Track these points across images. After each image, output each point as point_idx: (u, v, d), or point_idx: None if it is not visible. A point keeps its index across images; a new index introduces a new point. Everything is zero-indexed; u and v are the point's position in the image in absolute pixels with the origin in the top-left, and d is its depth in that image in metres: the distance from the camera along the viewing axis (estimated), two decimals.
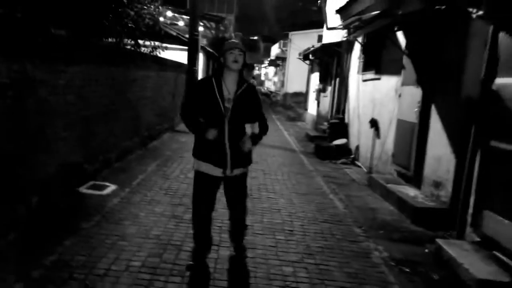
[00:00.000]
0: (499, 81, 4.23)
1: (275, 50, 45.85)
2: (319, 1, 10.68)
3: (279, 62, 40.53)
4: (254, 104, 3.59)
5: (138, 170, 6.93)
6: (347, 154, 9.99)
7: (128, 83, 7.65)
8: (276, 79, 45.65)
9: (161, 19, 10.29)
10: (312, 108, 17.23)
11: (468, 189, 4.55)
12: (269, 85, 50.38)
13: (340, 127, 10.88)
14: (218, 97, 3.42)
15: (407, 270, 4.12)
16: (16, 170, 4.00)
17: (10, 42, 3.72)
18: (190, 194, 3.90)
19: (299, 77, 26.88)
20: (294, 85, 29.53)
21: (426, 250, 4.66)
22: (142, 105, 8.74)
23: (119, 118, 7.22)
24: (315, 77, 16.95)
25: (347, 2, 10.44)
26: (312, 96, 17.40)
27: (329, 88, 13.56)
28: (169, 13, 24.30)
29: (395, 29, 7.61)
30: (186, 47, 15.38)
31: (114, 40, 7.67)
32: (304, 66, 21.43)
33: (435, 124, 5.99)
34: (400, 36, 7.55)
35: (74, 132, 5.32)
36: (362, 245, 4.68)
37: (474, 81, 5.08)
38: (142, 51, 8.88)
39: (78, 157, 5.54)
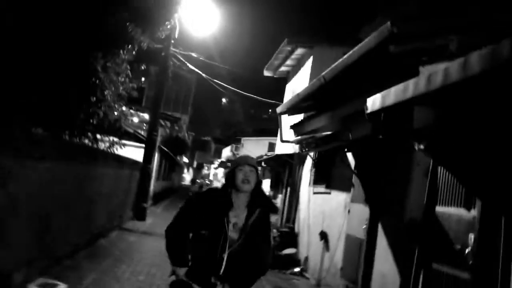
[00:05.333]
0: (440, 209, 4.77)
1: (226, 152, 47.07)
2: (269, 111, 11.58)
3: (229, 164, 41.47)
4: (263, 235, 3.00)
5: (89, 269, 6.77)
6: (296, 264, 10.16)
7: (89, 180, 7.74)
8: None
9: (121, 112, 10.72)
10: None
11: None
12: (218, 185, 50.78)
13: (290, 236, 11.16)
14: (225, 223, 2.89)
15: None
16: None
17: None
18: None
19: None
20: None
21: None
22: (97, 202, 8.73)
23: (75, 214, 7.20)
24: (266, 183, 17.53)
25: (301, 121, 11.35)
26: None
27: (280, 196, 14.06)
28: (124, 108, 25.00)
29: (345, 150, 8.34)
30: (143, 145, 15.70)
31: (78, 138, 7.88)
32: None
33: (381, 241, 6.41)
34: (350, 156, 8.25)
35: (33, 226, 5.30)
36: None
37: (417, 206, 5.66)
38: (101, 147, 9.08)
39: (32, 253, 5.44)
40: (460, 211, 4.38)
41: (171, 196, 29.58)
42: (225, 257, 2.85)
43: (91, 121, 7.99)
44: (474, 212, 4.16)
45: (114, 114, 9.23)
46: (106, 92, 8.44)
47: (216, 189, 3.13)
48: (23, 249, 5.12)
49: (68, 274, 6.26)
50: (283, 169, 14.09)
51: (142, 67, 11.89)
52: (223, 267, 2.85)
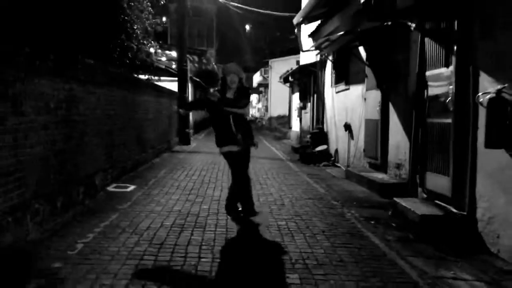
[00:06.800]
0: (428, 73, 5.64)
1: (256, 78, 47.54)
2: (295, 30, 12.23)
3: (262, 89, 42.29)
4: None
5: (150, 176, 8.18)
6: (328, 158, 11.32)
7: (135, 105, 8.95)
8: (260, 105, 47.26)
9: (152, 50, 11.79)
10: (295, 126, 18.65)
11: (415, 160, 5.89)
12: (254, 112, 51.98)
13: (320, 135, 12.25)
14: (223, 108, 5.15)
15: (372, 222, 5.40)
16: (67, 166, 5.22)
17: (64, 69, 5.02)
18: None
19: (281, 101, 28.41)
20: (277, 109, 31.02)
21: (389, 213, 5.93)
22: (146, 125, 10.03)
23: (130, 134, 8.49)
24: (296, 97, 18.45)
25: (317, 26, 12.00)
26: (294, 115, 18.87)
27: (309, 105, 15.01)
28: (152, 50, 25.93)
29: (357, 44, 9.10)
30: (175, 79, 16.78)
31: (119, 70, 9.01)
32: (286, 91, 22.98)
33: (393, 117, 7.36)
34: (362, 50, 9.02)
35: (102, 141, 6.58)
36: (338, 210, 5.96)
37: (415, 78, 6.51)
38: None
39: (104, 163, 6.77)
40: (441, 70, 5.25)
41: (209, 126, 31.06)
42: (232, 124, 5.09)
43: (127, 54, 9.05)
44: (451, 68, 5.02)
45: (145, 49, 10.25)
46: (135, 27, 9.40)
47: (216, 91, 5.34)
48: (98, 159, 6.42)
49: (134, 180, 7.67)
50: (309, 79, 14.91)
51: (162, 2, 12.69)
52: (233, 128, 5.08)
